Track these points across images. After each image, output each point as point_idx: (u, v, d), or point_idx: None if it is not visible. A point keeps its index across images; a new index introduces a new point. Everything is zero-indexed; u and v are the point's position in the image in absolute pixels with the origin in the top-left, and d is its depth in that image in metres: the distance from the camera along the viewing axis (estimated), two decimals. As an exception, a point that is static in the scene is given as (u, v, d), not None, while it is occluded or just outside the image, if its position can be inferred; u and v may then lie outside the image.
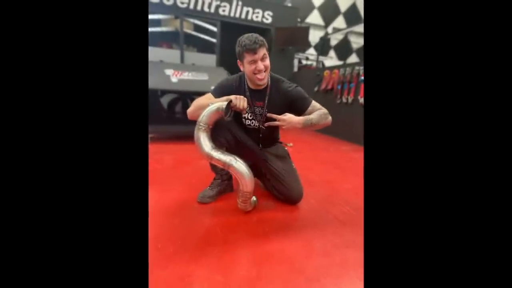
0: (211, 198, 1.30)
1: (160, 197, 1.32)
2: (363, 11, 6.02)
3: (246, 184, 1.11)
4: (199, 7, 3.90)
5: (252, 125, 1.28)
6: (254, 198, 1.20)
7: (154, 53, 3.65)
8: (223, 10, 4.03)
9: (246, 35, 1.11)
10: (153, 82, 2.40)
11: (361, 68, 2.96)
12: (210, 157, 1.08)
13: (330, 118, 1.22)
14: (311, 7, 5.77)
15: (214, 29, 4.12)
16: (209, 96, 1.21)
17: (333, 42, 6.27)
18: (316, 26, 5.85)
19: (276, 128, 1.30)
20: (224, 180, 1.35)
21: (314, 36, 5.74)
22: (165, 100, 3.37)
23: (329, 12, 5.95)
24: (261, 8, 4.23)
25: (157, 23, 4.13)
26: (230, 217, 1.17)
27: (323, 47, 5.91)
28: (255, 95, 1.24)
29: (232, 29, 3.87)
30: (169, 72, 2.58)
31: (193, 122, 1.11)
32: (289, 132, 1.58)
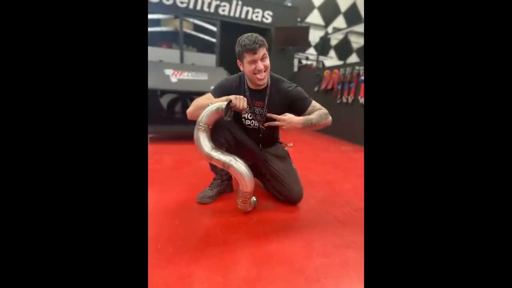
0: (211, 199, 1.30)
1: (160, 197, 1.32)
2: (363, 11, 6.02)
3: (246, 185, 1.11)
4: (198, 7, 3.90)
5: (252, 125, 1.28)
6: (254, 198, 1.20)
7: (154, 53, 3.64)
8: (223, 10, 4.03)
9: (246, 34, 1.11)
10: (153, 82, 2.39)
11: (361, 68, 2.95)
12: (210, 157, 1.08)
13: (330, 118, 1.22)
14: (311, 7, 5.77)
15: (214, 29, 4.12)
16: (208, 96, 1.21)
17: (333, 42, 6.27)
18: (316, 26, 5.84)
19: (276, 128, 1.30)
20: (224, 180, 1.35)
21: (314, 36, 5.74)
22: (164, 100, 3.36)
23: (329, 12, 5.95)
24: (261, 7, 4.23)
25: (157, 22, 4.12)
26: (230, 218, 1.16)
27: (323, 47, 5.91)
28: (255, 95, 1.23)
29: (232, 29, 3.87)
30: (168, 72, 2.57)
31: (193, 122, 1.11)
32: (289, 132, 1.57)
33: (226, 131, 1.19)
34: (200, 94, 1.29)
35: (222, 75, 2.68)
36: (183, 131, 2.66)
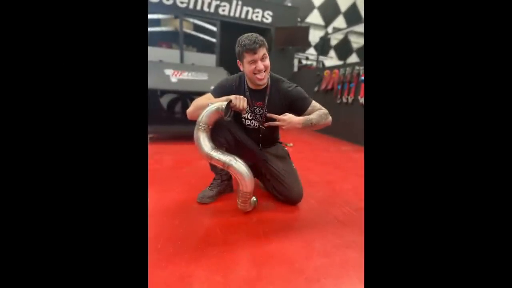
0: (211, 199, 1.30)
1: (160, 197, 1.32)
2: (363, 11, 6.02)
3: (246, 185, 1.11)
4: (198, 7, 3.90)
5: (252, 125, 1.28)
6: (254, 198, 1.20)
7: (154, 53, 3.64)
8: (223, 10, 4.03)
9: (246, 34, 1.11)
10: (153, 82, 2.39)
11: (361, 68, 2.95)
12: (210, 157, 1.08)
13: (330, 118, 1.22)
14: (311, 7, 5.77)
15: (214, 29, 4.12)
16: (208, 96, 1.21)
17: (333, 42, 6.27)
18: (316, 26, 5.84)
19: (276, 128, 1.30)
20: (224, 180, 1.35)
21: (314, 36, 5.74)
22: (164, 100, 3.36)
23: (329, 11, 5.95)
24: (261, 7, 4.23)
25: (157, 22, 4.12)
26: (230, 218, 1.16)
27: (323, 47, 5.90)
28: (255, 95, 1.23)
29: (232, 29, 3.87)
30: (168, 72, 2.57)
31: (193, 122, 1.11)
32: (289, 132, 1.57)
33: (226, 131, 1.19)
34: (200, 94, 1.29)
35: (222, 75, 2.68)
36: (183, 131, 2.65)
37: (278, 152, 1.37)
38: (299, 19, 5.26)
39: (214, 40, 4.17)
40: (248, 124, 1.28)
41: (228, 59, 2.91)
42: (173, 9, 3.81)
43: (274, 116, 1.16)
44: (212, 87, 1.27)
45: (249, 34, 1.11)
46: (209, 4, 3.93)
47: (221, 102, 1.05)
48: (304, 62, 5.69)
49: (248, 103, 1.13)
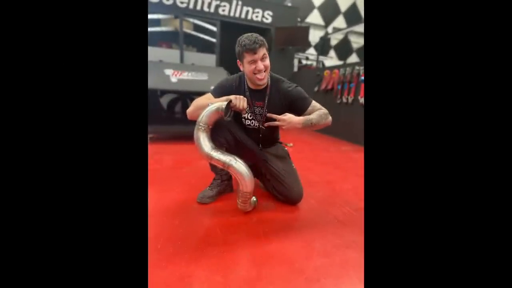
0: (211, 199, 1.30)
1: (160, 197, 1.32)
2: (363, 11, 6.02)
3: (246, 185, 1.11)
4: (198, 7, 3.90)
5: (252, 125, 1.28)
6: (254, 198, 1.20)
7: (154, 53, 3.65)
8: (223, 10, 4.03)
9: (246, 34, 1.11)
10: (153, 82, 2.39)
11: (361, 68, 2.95)
12: (210, 157, 1.08)
13: (330, 118, 1.22)
14: (311, 7, 5.77)
15: (214, 29, 4.12)
16: (208, 96, 1.21)
17: (333, 42, 6.27)
18: (316, 26, 5.85)
19: (276, 128, 1.30)
20: (224, 180, 1.35)
21: (314, 36, 5.74)
22: (164, 100, 3.36)
23: (329, 11, 5.95)
24: (261, 7, 4.23)
25: (157, 22, 4.12)
26: (230, 218, 1.17)
27: (323, 47, 5.91)
28: (255, 95, 1.23)
29: (232, 29, 3.87)
30: (168, 72, 2.57)
31: (193, 122, 1.11)
32: (289, 132, 1.57)
33: (226, 131, 1.19)
34: (200, 94, 1.29)
35: (222, 75, 2.68)
36: (183, 131, 2.66)
37: (278, 152, 1.37)
38: (299, 19, 5.26)
39: (214, 40, 4.17)
40: (248, 124, 1.28)
41: (228, 59, 2.91)
42: (173, 9, 3.81)
43: (274, 116, 1.16)
44: (212, 87, 1.27)
45: (249, 34, 1.11)
46: (209, 4, 3.93)
47: (221, 102, 1.05)
48: (304, 62, 5.69)
49: (248, 103, 1.13)
